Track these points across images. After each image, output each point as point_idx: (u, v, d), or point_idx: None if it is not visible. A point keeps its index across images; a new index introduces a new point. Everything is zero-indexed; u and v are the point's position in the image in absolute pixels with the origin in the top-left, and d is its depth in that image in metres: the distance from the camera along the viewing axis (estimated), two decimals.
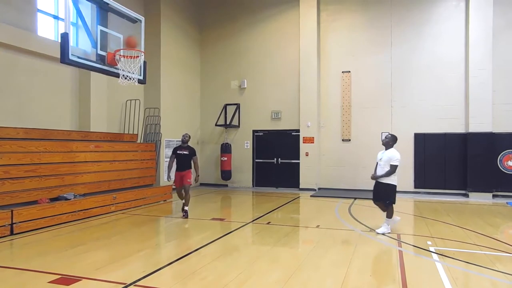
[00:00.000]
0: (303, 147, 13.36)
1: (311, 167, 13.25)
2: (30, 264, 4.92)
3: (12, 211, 6.38)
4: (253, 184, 14.32)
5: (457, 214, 8.67)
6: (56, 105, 9.47)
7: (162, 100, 12.59)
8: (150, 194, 10.11)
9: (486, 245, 5.91)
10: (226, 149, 13.79)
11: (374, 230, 6.85)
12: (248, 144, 14.37)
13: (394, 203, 6.82)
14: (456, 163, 11.95)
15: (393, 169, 6.65)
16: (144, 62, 8.13)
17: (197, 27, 14.88)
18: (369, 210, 8.53)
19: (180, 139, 9.06)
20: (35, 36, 8.79)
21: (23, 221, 6.51)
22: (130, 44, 7.40)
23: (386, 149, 6.90)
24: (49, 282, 4.21)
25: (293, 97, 13.61)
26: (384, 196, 6.76)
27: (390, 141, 6.89)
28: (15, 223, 6.37)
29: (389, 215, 6.80)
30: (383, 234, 6.64)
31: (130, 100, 11.74)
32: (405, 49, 12.56)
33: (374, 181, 6.95)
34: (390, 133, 7.42)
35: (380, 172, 6.81)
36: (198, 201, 11.16)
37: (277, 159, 14.05)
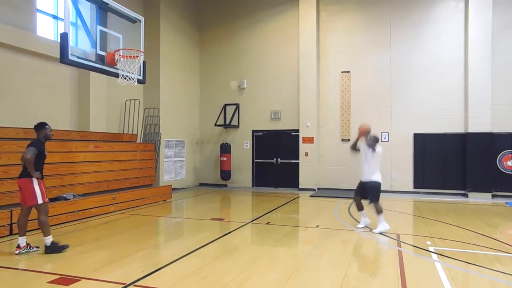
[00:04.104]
0: (303, 147, 13.36)
1: (311, 167, 13.26)
2: (30, 264, 4.92)
3: (11, 211, 6.38)
4: (252, 184, 14.32)
5: (456, 214, 8.68)
6: (56, 105, 9.47)
7: (161, 100, 12.60)
8: (149, 194, 10.10)
9: (485, 245, 5.91)
10: (225, 149, 13.79)
11: (374, 230, 6.84)
12: (248, 144, 14.37)
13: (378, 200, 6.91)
14: (456, 163, 11.96)
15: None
16: (144, 62, 8.13)
17: (196, 27, 14.88)
18: (369, 210, 8.52)
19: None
20: (34, 36, 8.79)
21: None
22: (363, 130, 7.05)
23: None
24: (48, 282, 4.20)
25: (293, 97, 13.61)
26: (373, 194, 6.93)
27: (374, 143, 6.86)
28: (14, 223, 6.35)
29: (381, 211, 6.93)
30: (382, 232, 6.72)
31: (130, 100, 11.74)
32: (404, 49, 12.57)
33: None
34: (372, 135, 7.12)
35: (366, 170, 6.89)
36: (197, 201, 11.16)
37: (276, 159, 14.05)
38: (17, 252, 5.29)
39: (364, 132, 6.93)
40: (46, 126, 5.63)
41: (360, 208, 7.12)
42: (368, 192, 6.85)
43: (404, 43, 12.58)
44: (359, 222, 7.33)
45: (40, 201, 5.37)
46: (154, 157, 11.57)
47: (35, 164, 5.32)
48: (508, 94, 11.52)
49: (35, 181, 5.35)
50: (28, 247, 5.38)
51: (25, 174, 5.35)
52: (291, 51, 13.66)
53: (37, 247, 5.47)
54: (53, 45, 8.60)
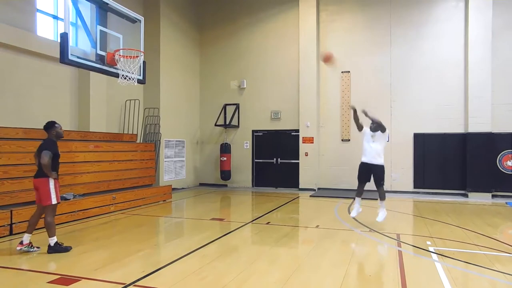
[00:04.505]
0: (303, 147, 13.36)
1: (311, 167, 13.26)
2: (30, 264, 4.93)
3: (11, 211, 6.38)
4: (252, 184, 14.33)
5: (456, 214, 8.68)
6: (56, 105, 9.47)
7: (161, 100, 12.60)
8: (149, 194, 10.10)
9: (485, 245, 5.91)
10: (225, 149, 13.79)
11: (374, 230, 6.85)
12: (248, 144, 14.37)
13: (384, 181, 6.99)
14: (456, 163, 11.96)
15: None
16: (144, 62, 8.13)
17: (196, 27, 14.88)
18: (369, 210, 8.52)
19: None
20: (34, 36, 8.79)
21: (22, 221, 6.49)
22: (326, 59, 7.09)
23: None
24: (48, 282, 4.21)
25: (293, 97, 13.61)
26: (382, 177, 6.89)
27: (378, 127, 6.90)
28: (14, 223, 6.37)
29: (384, 196, 7.00)
30: (382, 220, 6.93)
31: (130, 100, 11.74)
32: (404, 49, 12.57)
33: (373, 181, 7.01)
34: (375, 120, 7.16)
35: (373, 151, 6.83)
36: (197, 201, 11.16)
37: (276, 159, 14.05)
38: (18, 248, 5.33)
39: (329, 59, 6.91)
40: (56, 125, 5.66)
41: (360, 194, 7.08)
42: (377, 175, 6.82)
43: (404, 43, 12.58)
44: (352, 211, 7.32)
45: (54, 201, 5.43)
46: (154, 157, 11.57)
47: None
48: (508, 94, 11.52)
49: (51, 182, 5.42)
50: (30, 245, 5.40)
51: (42, 174, 5.40)
52: (291, 51, 13.66)
53: (38, 247, 5.47)
54: (53, 45, 8.60)
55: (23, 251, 5.33)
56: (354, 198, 7.33)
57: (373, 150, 6.79)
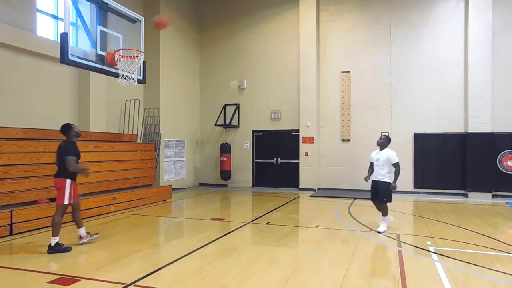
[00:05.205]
0: (303, 147, 13.36)
1: (311, 167, 13.26)
2: (30, 264, 4.92)
3: (11, 211, 6.38)
4: (252, 184, 14.32)
5: (456, 214, 8.68)
6: (56, 105, 9.47)
7: (161, 100, 12.60)
8: (149, 194, 10.10)
9: (485, 245, 5.91)
10: (225, 149, 13.79)
11: (374, 230, 6.85)
12: (248, 144, 14.37)
13: (390, 201, 6.84)
14: (456, 163, 11.96)
15: (398, 167, 6.73)
16: (144, 62, 8.12)
17: (196, 27, 14.88)
18: (369, 210, 8.54)
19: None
20: (34, 36, 8.80)
21: (22, 221, 6.50)
22: (160, 23, 7.43)
23: (380, 150, 6.93)
24: (48, 282, 4.21)
25: (293, 97, 13.61)
26: (385, 194, 6.76)
27: (385, 142, 6.93)
28: (14, 223, 6.37)
29: (386, 213, 6.88)
30: (382, 232, 6.68)
31: (130, 100, 11.74)
32: (404, 49, 12.57)
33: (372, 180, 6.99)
34: (384, 134, 7.28)
35: (379, 172, 6.81)
36: (197, 201, 11.16)
37: (276, 159, 14.05)
38: (80, 241, 5.73)
39: (161, 25, 7.33)
40: (72, 126, 5.78)
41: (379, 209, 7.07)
42: (381, 191, 6.79)
43: (404, 43, 12.58)
44: (379, 226, 6.96)
45: (66, 202, 5.55)
46: (154, 157, 11.57)
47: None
48: (508, 94, 11.52)
49: (68, 183, 5.55)
50: (89, 235, 5.82)
51: (61, 174, 5.55)
52: (291, 51, 13.66)
53: (96, 233, 5.95)
54: (53, 45, 8.60)
55: (85, 242, 5.73)
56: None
57: (379, 168, 6.84)
